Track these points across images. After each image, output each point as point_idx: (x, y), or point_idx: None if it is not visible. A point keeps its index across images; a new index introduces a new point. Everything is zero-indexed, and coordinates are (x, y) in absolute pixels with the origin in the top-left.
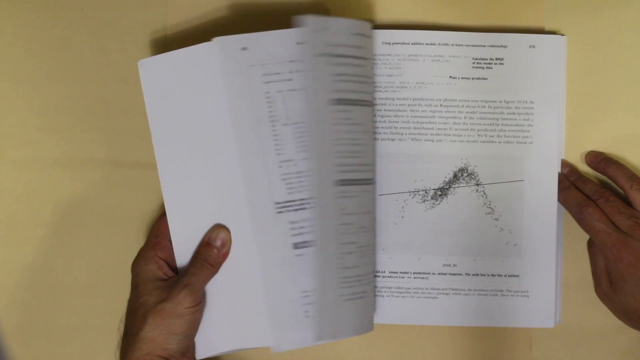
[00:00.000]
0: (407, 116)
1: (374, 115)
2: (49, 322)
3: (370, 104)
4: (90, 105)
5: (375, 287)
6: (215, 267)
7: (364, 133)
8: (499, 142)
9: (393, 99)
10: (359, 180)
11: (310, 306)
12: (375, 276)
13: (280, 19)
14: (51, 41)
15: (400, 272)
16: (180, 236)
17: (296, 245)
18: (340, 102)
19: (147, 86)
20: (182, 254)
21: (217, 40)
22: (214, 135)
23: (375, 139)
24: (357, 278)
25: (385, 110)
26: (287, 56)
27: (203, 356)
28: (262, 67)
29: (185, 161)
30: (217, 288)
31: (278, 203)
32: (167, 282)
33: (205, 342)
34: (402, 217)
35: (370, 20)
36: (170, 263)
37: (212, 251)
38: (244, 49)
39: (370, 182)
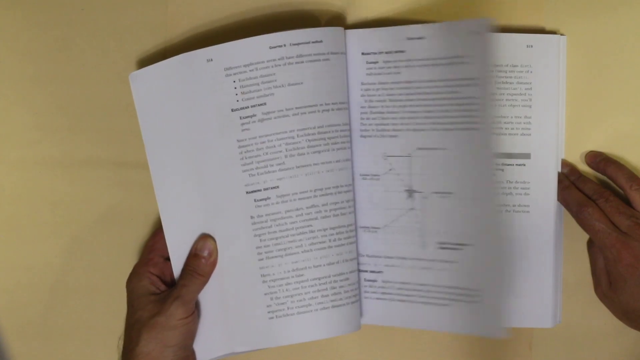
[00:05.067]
0: (401, 117)
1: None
2: (49, 322)
3: (345, 107)
4: (90, 105)
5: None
6: (205, 277)
7: (290, 139)
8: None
9: (387, 100)
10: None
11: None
12: (374, 280)
13: (277, 22)
14: (51, 41)
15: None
16: (177, 248)
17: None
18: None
19: (138, 98)
20: (179, 266)
21: (182, 56)
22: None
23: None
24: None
25: (379, 110)
26: (255, 61)
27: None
28: (228, 77)
29: (177, 171)
30: (211, 293)
31: (251, 216)
32: (159, 295)
33: (204, 346)
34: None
35: (363, 19)
36: (163, 278)
37: (200, 261)
38: (209, 60)
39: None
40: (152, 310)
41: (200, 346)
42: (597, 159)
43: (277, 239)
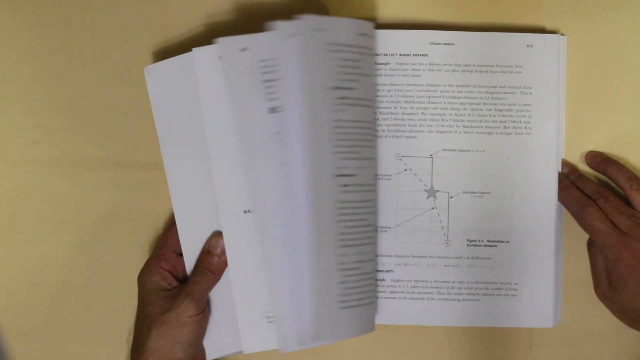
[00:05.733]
0: (397, 117)
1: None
2: (49, 322)
3: (372, 103)
4: (90, 105)
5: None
6: (217, 275)
7: (365, 129)
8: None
9: (402, 102)
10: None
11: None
12: (377, 279)
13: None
14: (51, 41)
15: (401, 275)
16: (190, 244)
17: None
18: (340, 97)
19: (153, 92)
20: (192, 262)
21: (219, 41)
22: (219, 138)
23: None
24: (357, 282)
25: (390, 111)
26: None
27: (212, 357)
28: (263, 67)
29: (193, 168)
30: (222, 290)
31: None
32: (171, 291)
33: (214, 343)
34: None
35: (370, 19)
36: (175, 274)
37: (212, 259)
38: (244, 49)
39: (371, 186)
40: (163, 306)
41: (210, 343)
42: (597, 159)
43: (354, 227)
